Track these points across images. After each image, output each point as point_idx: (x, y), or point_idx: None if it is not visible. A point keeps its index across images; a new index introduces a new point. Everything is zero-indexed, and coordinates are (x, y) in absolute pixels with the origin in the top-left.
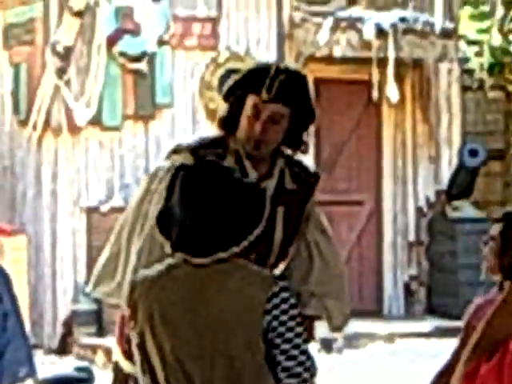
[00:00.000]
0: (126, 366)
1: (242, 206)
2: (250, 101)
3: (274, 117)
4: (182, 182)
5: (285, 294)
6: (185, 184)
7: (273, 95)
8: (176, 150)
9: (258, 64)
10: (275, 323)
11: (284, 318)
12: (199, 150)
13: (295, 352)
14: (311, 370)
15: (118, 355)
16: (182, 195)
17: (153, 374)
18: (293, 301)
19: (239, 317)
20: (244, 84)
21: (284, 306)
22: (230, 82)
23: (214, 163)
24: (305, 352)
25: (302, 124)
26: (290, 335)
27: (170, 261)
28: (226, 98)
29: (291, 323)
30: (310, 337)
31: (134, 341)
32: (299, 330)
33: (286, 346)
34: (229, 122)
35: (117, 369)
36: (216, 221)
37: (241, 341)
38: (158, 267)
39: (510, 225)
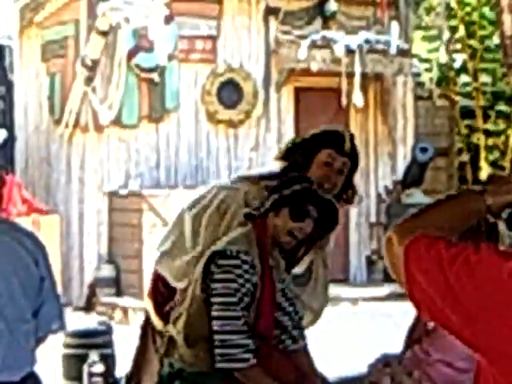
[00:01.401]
0: (156, 322)
1: None
2: (324, 152)
3: (342, 168)
4: None
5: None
6: None
7: (348, 149)
8: (245, 178)
9: (327, 128)
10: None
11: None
12: (268, 179)
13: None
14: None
15: (149, 309)
16: None
17: None
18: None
19: None
20: (317, 142)
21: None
22: (297, 141)
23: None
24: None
25: (350, 178)
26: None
27: None
28: (291, 152)
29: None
30: None
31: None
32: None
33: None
34: (295, 168)
35: (146, 322)
36: None
37: None
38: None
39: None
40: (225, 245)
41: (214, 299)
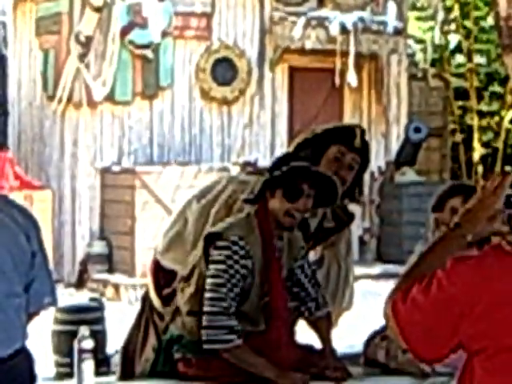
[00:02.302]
0: (155, 300)
1: None
2: (334, 148)
3: (352, 164)
4: None
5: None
6: None
7: (359, 145)
8: (256, 172)
9: (337, 124)
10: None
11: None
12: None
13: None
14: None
15: (150, 287)
16: None
17: None
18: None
19: None
20: (329, 136)
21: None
22: (308, 136)
23: None
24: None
25: (360, 175)
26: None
27: None
28: (302, 147)
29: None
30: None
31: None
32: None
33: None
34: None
35: (145, 298)
36: None
37: None
38: None
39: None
40: (221, 229)
41: (206, 280)
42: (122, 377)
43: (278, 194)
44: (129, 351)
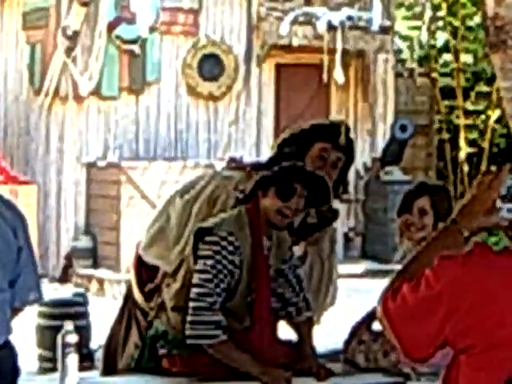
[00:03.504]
0: (137, 295)
1: None
2: (319, 146)
3: (336, 162)
4: None
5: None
6: None
7: (343, 143)
8: (240, 167)
9: (323, 120)
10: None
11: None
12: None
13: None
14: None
15: (133, 282)
16: None
17: None
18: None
19: None
20: (313, 133)
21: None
22: (294, 131)
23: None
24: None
25: (345, 172)
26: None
27: None
28: (287, 143)
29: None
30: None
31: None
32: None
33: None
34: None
35: (128, 293)
36: None
37: None
38: None
39: (438, 197)
40: (212, 224)
41: (194, 275)
42: (105, 372)
43: (270, 192)
44: (111, 347)
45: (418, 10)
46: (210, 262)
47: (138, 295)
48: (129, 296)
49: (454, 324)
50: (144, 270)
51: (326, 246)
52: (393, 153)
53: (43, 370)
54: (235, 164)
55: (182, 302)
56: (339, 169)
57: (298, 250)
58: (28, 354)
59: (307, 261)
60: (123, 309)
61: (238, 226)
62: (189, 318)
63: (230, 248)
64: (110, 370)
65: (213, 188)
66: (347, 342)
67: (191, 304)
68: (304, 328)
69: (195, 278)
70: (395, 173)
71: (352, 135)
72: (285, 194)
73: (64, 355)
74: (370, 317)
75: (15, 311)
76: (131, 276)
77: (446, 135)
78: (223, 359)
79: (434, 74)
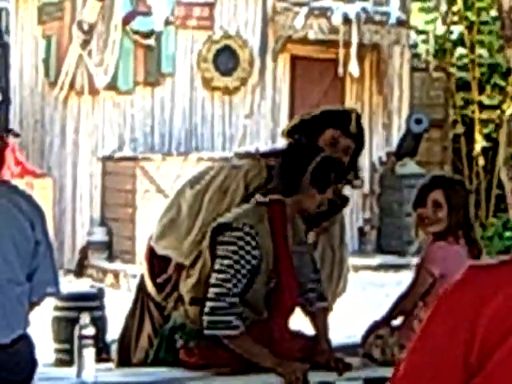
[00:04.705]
0: (150, 288)
1: None
2: (330, 132)
3: (347, 149)
4: None
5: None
6: None
7: (354, 131)
8: (250, 155)
9: (334, 107)
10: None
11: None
12: (269, 157)
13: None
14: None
15: (145, 274)
16: None
17: None
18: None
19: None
20: (324, 120)
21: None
22: (305, 117)
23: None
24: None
25: (355, 159)
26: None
27: None
28: (298, 130)
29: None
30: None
31: None
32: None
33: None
34: (299, 147)
35: (140, 286)
36: None
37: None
38: None
39: (452, 190)
40: (230, 219)
41: (215, 266)
42: (119, 364)
43: (304, 184)
44: (125, 339)
45: (433, 3)
46: (235, 256)
47: (150, 287)
48: (141, 288)
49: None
50: (156, 262)
51: (337, 234)
52: (408, 146)
53: (59, 363)
54: (244, 153)
55: (200, 295)
56: (350, 155)
57: (309, 239)
58: (44, 346)
59: (318, 249)
60: (136, 301)
61: (257, 218)
62: (206, 309)
63: (253, 242)
64: (124, 362)
65: (223, 178)
66: (365, 337)
67: (210, 293)
68: (320, 318)
69: (217, 270)
70: (410, 166)
71: (367, 128)
72: (323, 185)
73: (81, 348)
74: (390, 314)
75: (33, 304)
76: (144, 268)
77: (461, 129)
78: (240, 351)
79: (450, 68)
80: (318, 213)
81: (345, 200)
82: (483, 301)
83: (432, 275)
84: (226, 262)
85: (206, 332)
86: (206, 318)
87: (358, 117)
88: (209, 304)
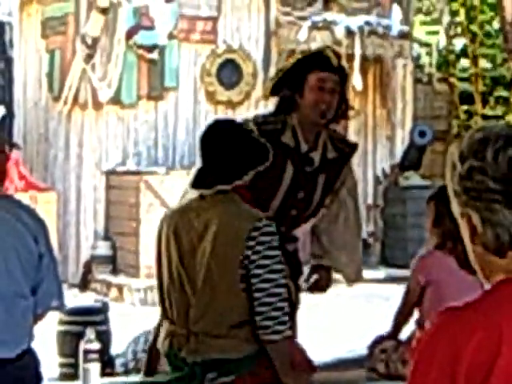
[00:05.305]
0: None
1: (243, 150)
2: (313, 76)
3: (334, 87)
4: (202, 135)
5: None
6: (204, 136)
7: (336, 64)
8: (244, 122)
9: (307, 51)
10: (252, 254)
11: (260, 248)
12: (263, 124)
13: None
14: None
15: None
16: (202, 145)
17: (161, 283)
18: (273, 243)
19: (222, 239)
20: (303, 67)
21: (262, 238)
22: (283, 68)
23: (231, 121)
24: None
25: (344, 93)
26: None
27: (190, 196)
28: (280, 84)
29: (267, 252)
30: (327, 284)
31: None
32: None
33: (259, 271)
34: (287, 103)
35: None
36: (219, 162)
37: (221, 260)
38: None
39: (441, 198)
40: (262, 221)
41: (258, 271)
42: (147, 374)
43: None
44: (153, 350)
45: (436, 15)
46: (278, 264)
47: None
48: None
49: None
50: None
51: (349, 200)
52: (412, 158)
53: (64, 377)
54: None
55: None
56: (338, 92)
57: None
58: (49, 360)
59: (340, 199)
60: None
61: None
62: (266, 315)
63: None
64: (151, 372)
65: None
66: (370, 350)
67: (280, 304)
68: None
69: (263, 273)
70: (414, 178)
71: (371, 141)
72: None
73: (86, 362)
74: (394, 326)
75: (36, 318)
76: None
77: None
78: (281, 357)
79: (453, 80)
80: (327, 160)
81: (353, 146)
82: (458, 351)
83: (418, 283)
84: (276, 260)
85: (264, 338)
86: (280, 319)
87: (334, 51)
88: (279, 304)
